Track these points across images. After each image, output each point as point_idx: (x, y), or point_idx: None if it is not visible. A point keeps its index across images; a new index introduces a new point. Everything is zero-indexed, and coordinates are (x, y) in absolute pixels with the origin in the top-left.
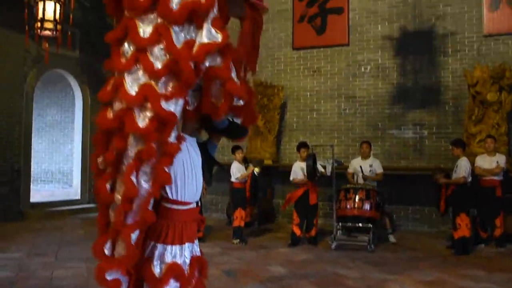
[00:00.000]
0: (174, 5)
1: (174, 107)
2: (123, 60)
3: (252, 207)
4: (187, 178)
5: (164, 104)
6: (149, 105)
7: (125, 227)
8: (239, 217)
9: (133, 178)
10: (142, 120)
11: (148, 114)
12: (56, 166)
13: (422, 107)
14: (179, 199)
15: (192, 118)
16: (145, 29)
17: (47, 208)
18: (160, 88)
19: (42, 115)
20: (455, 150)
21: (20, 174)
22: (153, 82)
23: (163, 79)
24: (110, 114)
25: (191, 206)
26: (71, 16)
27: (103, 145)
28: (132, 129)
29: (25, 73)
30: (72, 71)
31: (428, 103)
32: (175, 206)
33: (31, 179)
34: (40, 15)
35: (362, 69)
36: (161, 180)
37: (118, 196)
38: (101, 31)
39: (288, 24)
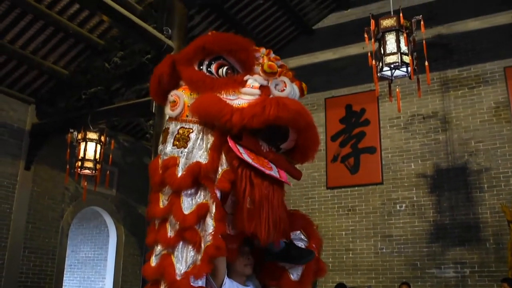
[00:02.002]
0: (180, 171)
1: (200, 281)
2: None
3: None
4: None
5: (179, 279)
6: (163, 280)
7: None
8: None
9: None
10: None
11: None
12: None
13: (461, 245)
14: None
15: (235, 257)
16: (164, 200)
17: None
18: (177, 258)
19: (75, 251)
20: None
21: None
22: (169, 252)
23: (178, 248)
24: None
25: None
26: (110, 156)
27: None
28: None
29: (63, 209)
30: (107, 209)
31: (467, 241)
32: None
33: None
34: (81, 154)
35: (397, 207)
36: None
37: None
38: (138, 171)
39: (322, 164)
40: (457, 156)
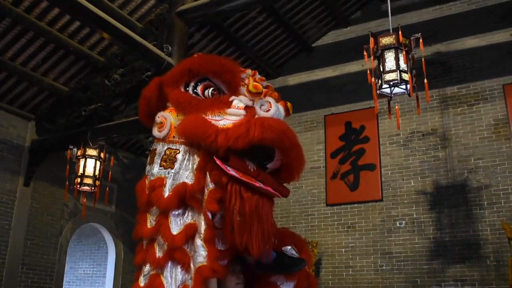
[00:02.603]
0: (167, 192)
1: None
2: (139, 254)
3: None
4: None
5: None
6: None
7: None
8: None
9: None
10: None
11: None
12: None
13: (462, 262)
14: None
15: (225, 273)
16: (151, 220)
17: None
18: (166, 279)
19: (74, 268)
20: None
21: None
22: (158, 272)
23: (167, 268)
24: None
25: None
26: (110, 173)
27: None
28: None
29: (62, 226)
30: (106, 225)
31: (468, 258)
32: None
33: None
34: (80, 171)
35: (397, 224)
36: None
37: None
38: None
39: (321, 181)
40: (457, 173)
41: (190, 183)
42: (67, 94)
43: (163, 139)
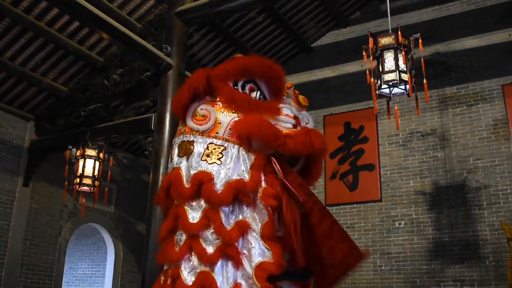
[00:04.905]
0: (218, 188)
1: None
2: (176, 249)
3: None
4: None
5: None
6: None
7: None
8: None
9: None
10: None
11: None
12: None
13: (461, 262)
14: None
15: None
16: (194, 215)
17: None
18: (218, 276)
19: (73, 268)
20: None
21: None
22: (209, 269)
23: (218, 265)
24: None
25: None
26: (109, 173)
27: None
28: None
29: (61, 226)
30: (106, 226)
31: (467, 258)
32: None
33: None
34: (79, 171)
35: (396, 224)
36: None
37: None
38: (137, 188)
39: (320, 181)
40: (456, 173)
41: (246, 180)
42: (66, 94)
43: (203, 133)
